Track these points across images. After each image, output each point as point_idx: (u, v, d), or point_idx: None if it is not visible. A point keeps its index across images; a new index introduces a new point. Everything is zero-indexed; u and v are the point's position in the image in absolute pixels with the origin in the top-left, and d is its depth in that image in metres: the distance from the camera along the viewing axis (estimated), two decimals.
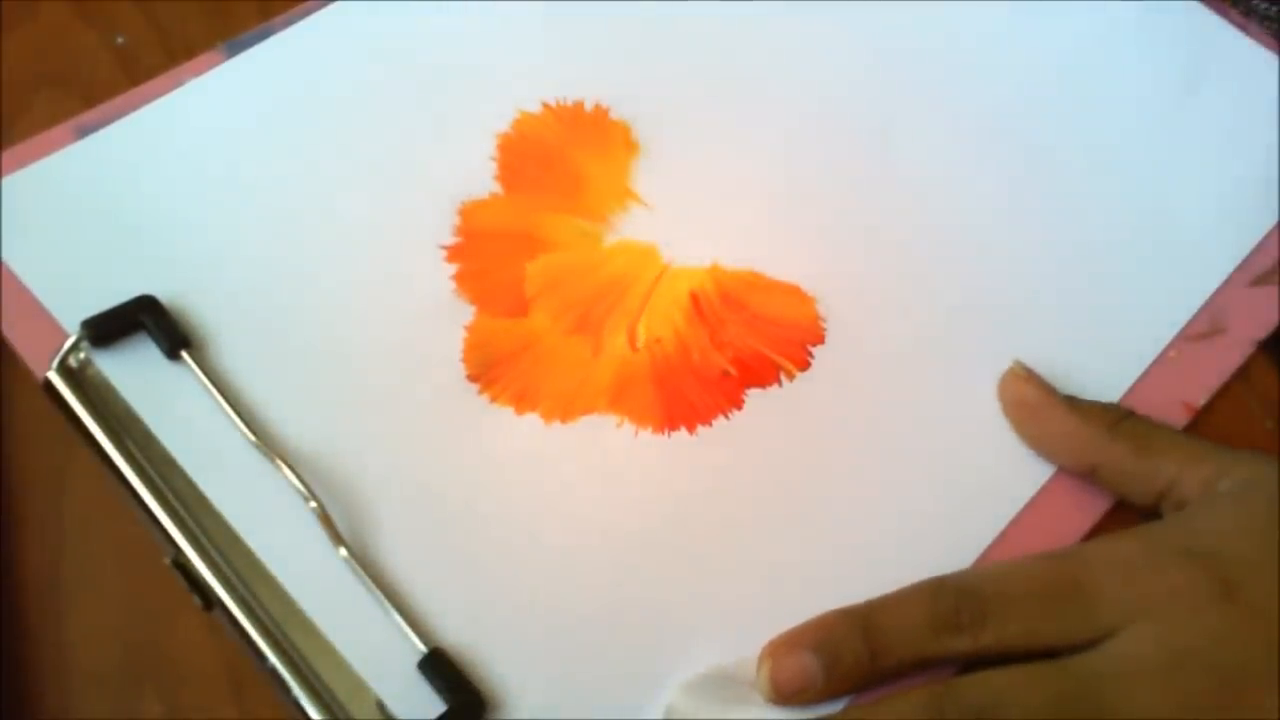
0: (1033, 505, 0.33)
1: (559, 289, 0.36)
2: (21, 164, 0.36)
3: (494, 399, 0.34)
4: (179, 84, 0.38)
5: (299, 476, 0.30)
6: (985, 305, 0.36)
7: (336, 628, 0.29)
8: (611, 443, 0.33)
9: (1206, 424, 0.35)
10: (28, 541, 0.32)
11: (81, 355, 0.32)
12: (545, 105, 0.39)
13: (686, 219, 0.37)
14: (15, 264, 0.34)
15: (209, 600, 0.30)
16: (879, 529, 0.32)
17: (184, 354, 0.32)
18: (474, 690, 0.28)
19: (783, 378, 0.35)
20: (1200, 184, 0.39)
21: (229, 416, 0.31)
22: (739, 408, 0.34)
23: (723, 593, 0.31)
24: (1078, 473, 0.33)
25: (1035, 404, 0.33)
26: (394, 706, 0.28)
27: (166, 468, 0.31)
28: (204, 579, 0.29)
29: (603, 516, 0.32)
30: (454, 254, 0.36)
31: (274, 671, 0.28)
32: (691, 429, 0.33)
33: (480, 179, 0.38)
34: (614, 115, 0.39)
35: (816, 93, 0.40)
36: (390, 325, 0.34)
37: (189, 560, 0.30)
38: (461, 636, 0.30)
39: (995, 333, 0.35)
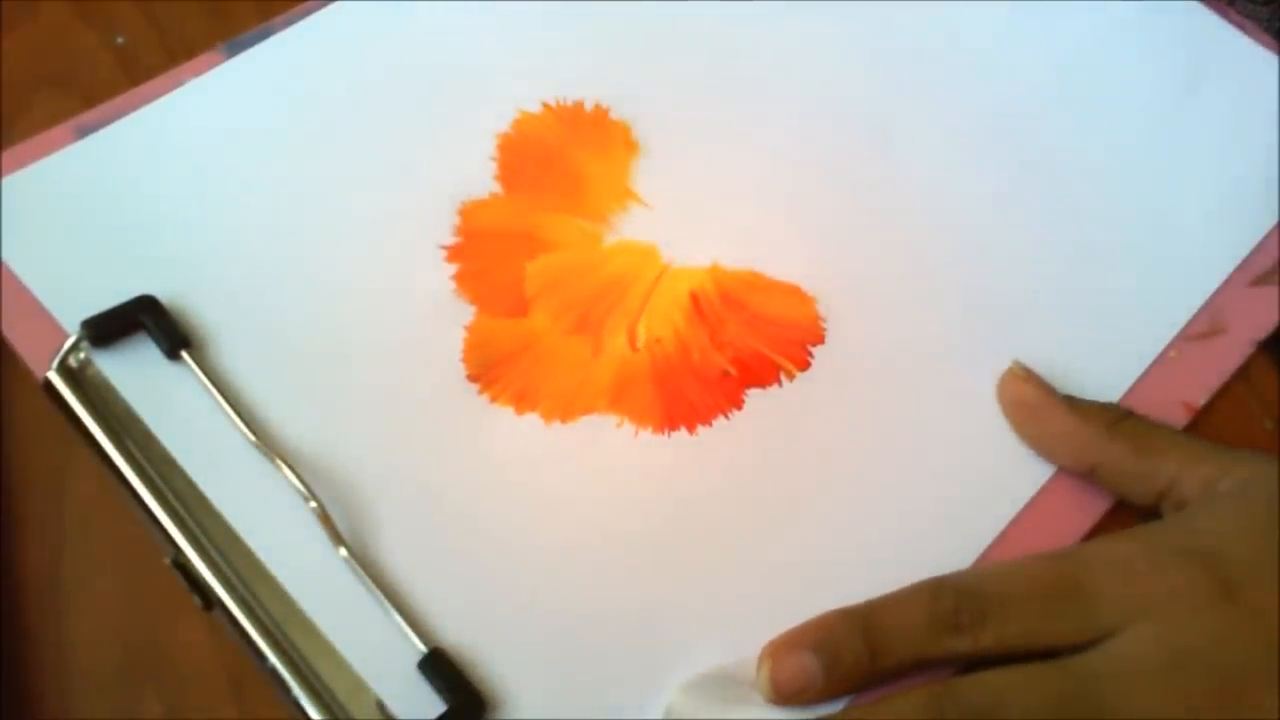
0: (1033, 505, 0.33)
1: (559, 289, 0.36)
2: (21, 164, 0.36)
3: (494, 399, 0.34)
4: (179, 84, 0.38)
5: (299, 476, 0.30)
6: (985, 305, 0.36)
7: (336, 628, 0.29)
8: (611, 443, 0.33)
9: (1206, 424, 0.35)
10: (28, 541, 0.32)
11: (81, 355, 0.32)
12: (545, 105, 0.39)
13: (686, 219, 0.37)
14: (15, 264, 0.34)
15: (209, 600, 0.30)
16: (879, 529, 0.32)
17: (184, 354, 0.32)
18: (474, 690, 0.28)
19: (783, 378, 0.35)
20: (1200, 184, 0.39)
21: (229, 416, 0.31)
22: (739, 408, 0.34)
23: (723, 593, 0.31)
24: (1077, 473, 0.33)
25: (1034, 404, 0.33)
26: (394, 706, 0.28)
27: (166, 468, 0.31)
28: (204, 579, 0.29)
29: (603, 516, 0.32)
30: (454, 254, 0.36)
31: (274, 671, 0.28)
32: (691, 429, 0.34)
33: (480, 179, 0.38)
34: (614, 115, 0.39)
35: (817, 92, 0.40)
36: (390, 325, 0.34)
37: (189, 560, 0.30)
38: (461, 636, 0.30)
39: (995, 333, 0.35)
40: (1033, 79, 0.41)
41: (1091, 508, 0.33)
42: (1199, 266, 0.37)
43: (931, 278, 0.37)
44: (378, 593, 0.29)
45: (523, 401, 0.34)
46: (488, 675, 0.29)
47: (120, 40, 0.40)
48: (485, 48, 0.40)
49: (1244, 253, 0.37)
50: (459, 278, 0.36)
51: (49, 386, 0.32)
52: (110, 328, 0.32)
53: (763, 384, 0.34)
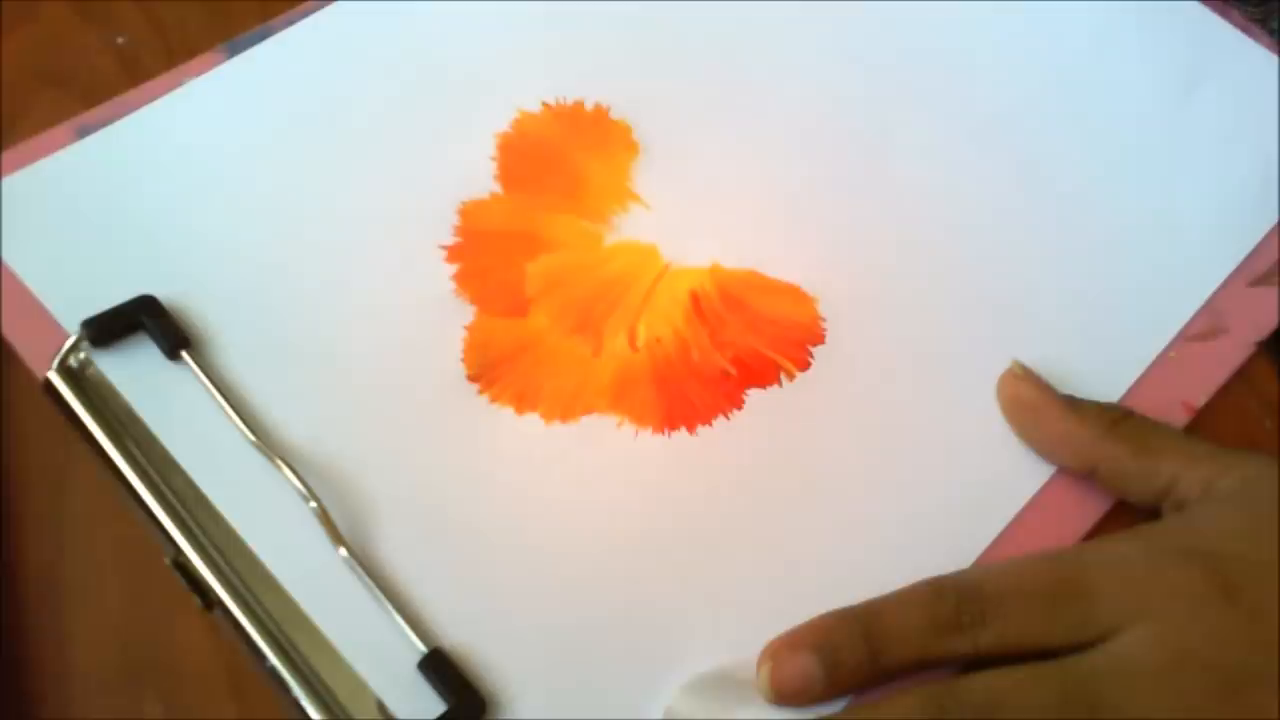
0: (1033, 505, 0.33)
1: (559, 289, 0.36)
2: (21, 164, 0.36)
3: (494, 399, 0.34)
4: (179, 84, 0.38)
5: (299, 476, 0.30)
6: (985, 305, 0.36)
7: (336, 628, 0.29)
8: (612, 443, 0.33)
9: (1206, 424, 0.35)
10: (28, 541, 0.32)
11: (81, 355, 0.32)
12: (545, 105, 0.39)
13: (686, 219, 0.37)
14: (15, 264, 0.34)
15: (209, 600, 0.30)
16: (879, 529, 0.32)
17: (184, 354, 0.32)
18: (474, 690, 0.28)
19: (783, 378, 0.35)
20: (1200, 184, 0.39)
21: (229, 416, 0.31)
22: (739, 408, 0.34)
23: (723, 593, 0.31)
24: (1077, 473, 0.33)
25: (1034, 404, 0.33)
26: (394, 707, 0.28)
27: (166, 468, 0.31)
28: (204, 579, 0.29)
29: (603, 516, 0.32)
30: (454, 254, 0.36)
31: (274, 671, 0.28)
32: (691, 429, 0.34)
33: (480, 179, 0.38)
34: (614, 115, 0.39)
35: (817, 92, 0.40)
36: (390, 325, 0.34)
37: (189, 560, 0.30)
38: (461, 636, 0.30)
39: (995, 333, 0.35)
40: (1033, 79, 0.41)
41: (1091, 508, 0.33)
42: (1199, 267, 0.37)
43: (932, 278, 0.37)
44: (378, 593, 0.29)
45: (523, 401, 0.34)
46: (488, 675, 0.29)
47: (121, 40, 0.40)
48: (485, 48, 0.40)
49: (1244, 253, 0.38)
50: (459, 278, 0.36)
51: (49, 386, 0.32)
52: (110, 328, 0.32)
53: (763, 384, 0.34)
